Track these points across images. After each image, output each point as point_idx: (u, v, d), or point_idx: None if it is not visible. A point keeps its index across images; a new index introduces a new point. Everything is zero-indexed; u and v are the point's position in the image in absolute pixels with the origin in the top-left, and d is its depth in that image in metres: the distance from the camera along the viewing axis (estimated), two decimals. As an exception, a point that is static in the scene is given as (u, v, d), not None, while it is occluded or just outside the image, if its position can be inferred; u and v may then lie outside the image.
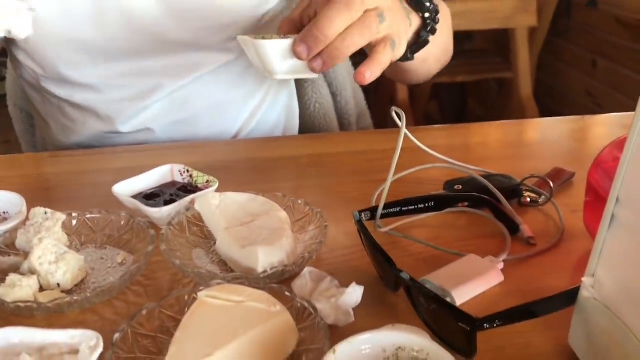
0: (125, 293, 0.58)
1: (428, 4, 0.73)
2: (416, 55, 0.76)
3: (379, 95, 2.45)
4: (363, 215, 0.60)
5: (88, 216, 0.66)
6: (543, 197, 0.71)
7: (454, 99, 3.30)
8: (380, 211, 0.61)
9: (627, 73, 2.53)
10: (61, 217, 0.63)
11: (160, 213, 0.66)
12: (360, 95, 1.28)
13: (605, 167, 0.58)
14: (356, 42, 0.61)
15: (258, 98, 1.02)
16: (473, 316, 0.45)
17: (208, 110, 0.97)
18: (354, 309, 0.53)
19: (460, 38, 3.28)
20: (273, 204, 0.66)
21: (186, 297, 0.52)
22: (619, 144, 0.61)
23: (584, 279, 0.45)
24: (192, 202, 0.67)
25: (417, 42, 0.75)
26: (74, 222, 0.65)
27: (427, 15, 0.73)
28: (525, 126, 1.06)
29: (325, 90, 1.21)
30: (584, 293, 0.44)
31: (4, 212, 0.68)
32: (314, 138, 0.97)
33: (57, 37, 0.85)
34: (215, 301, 0.50)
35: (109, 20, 0.85)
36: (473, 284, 0.56)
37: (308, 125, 1.16)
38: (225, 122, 1.00)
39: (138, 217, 0.65)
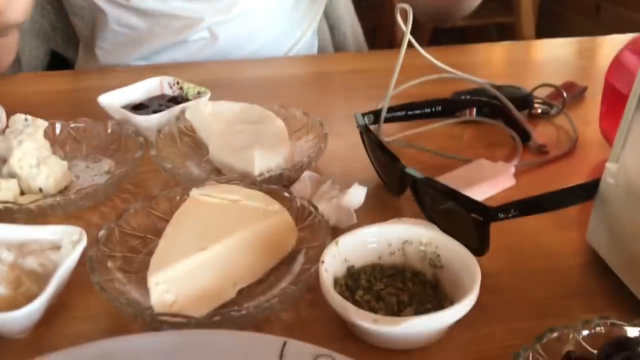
0: (113, 199, 0.55)
1: None
2: None
3: (378, 37, 2.38)
4: (366, 119, 0.56)
5: (72, 125, 0.62)
6: (555, 108, 0.67)
7: (453, 44, 3.23)
8: (384, 113, 0.57)
9: (632, 16, 2.46)
10: (43, 123, 0.58)
11: (148, 121, 0.62)
12: (359, 30, 1.23)
13: (624, 60, 0.54)
14: None
15: (293, 39, 0.99)
16: (486, 205, 0.41)
17: (265, 31, 0.94)
18: (355, 212, 0.49)
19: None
20: (270, 113, 0.62)
21: (177, 198, 0.49)
22: (636, 42, 0.57)
23: (607, 164, 0.41)
24: (183, 112, 0.63)
25: None
26: (57, 131, 0.62)
27: None
28: (533, 46, 1.01)
29: (323, 22, 1.16)
30: (608, 179, 0.41)
31: (-18, 124, 0.64)
32: (315, 58, 0.92)
33: None
34: (210, 199, 0.46)
35: None
36: (483, 186, 0.52)
37: None
38: (277, 45, 0.97)
39: (124, 126, 0.61)
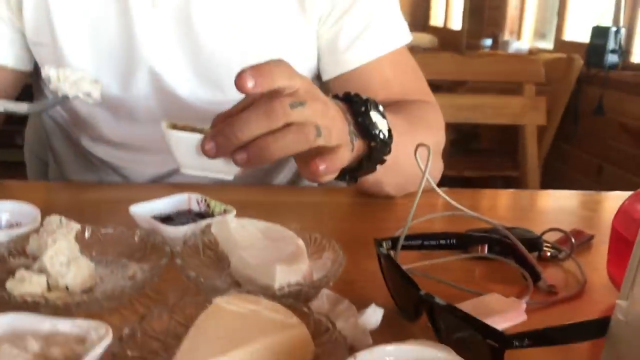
0: (133, 303, 0.56)
1: (377, 131, 0.66)
2: (367, 178, 0.71)
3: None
4: (384, 244, 0.58)
5: (102, 231, 0.65)
6: (563, 252, 0.70)
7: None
8: (401, 240, 0.60)
9: (632, 179, 2.56)
10: (75, 226, 0.61)
11: (176, 232, 0.65)
12: None
13: (630, 210, 0.58)
14: (288, 147, 0.56)
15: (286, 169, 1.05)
16: (503, 332, 0.43)
17: None
18: (370, 333, 0.51)
19: (468, 137, 3.36)
20: (290, 233, 0.64)
21: (198, 306, 0.50)
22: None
23: (618, 301, 0.43)
24: (209, 226, 0.66)
25: (360, 168, 0.69)
26: (87, 234, 0.64)
27: (372, 144, 0.66)
28: (539, 195, 1.06)
29: None
30: (618, 316, 0.43)
31: (17, 223, 0.67)
32: (335, 190, 0.96)
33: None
34: (232, 307, 0.48)
35: (136, 80, 0.88)
36: (496, 318, 0.54)
37: None
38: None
39: (151, 234, 0.64)
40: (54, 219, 0.62)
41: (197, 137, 0.57)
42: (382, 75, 0.91)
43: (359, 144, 0.65)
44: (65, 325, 0.45)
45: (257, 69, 0.53)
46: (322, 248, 0.65)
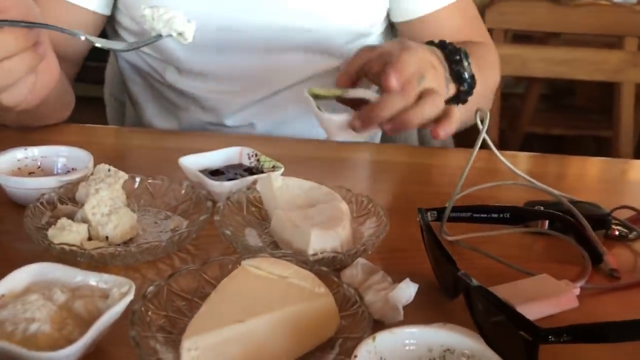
0: (171, 257, 0.56)
1: (467, 76, 0.77)
2: None
3: (463, 134, 2.38)
4: (429, 215, 0.55)
5: (150, 181, 0.65)
6: (634, 232, 0.64)
7: (546, 152, 3.16)
8: (447, 212, 0.56)
9: None
10: (124, 175, 0.62)
11: (221, 187, 0.64)
12: None
13: None
14: (424, 115, 0.68)
15: None
16: (537, 325, 0.39)
17: (307, 113, 0.97)
18: (403, 308, 0.48)
19: (561, 92, 3.16)
20: (335, 195, 0.62)
21: (230, 266, 0.50)
22: None
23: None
24: (255, 183, 0.65)
25: None
26: (136, 184, 0.65)
27: (462, 88, 0.77)
28: (620, 165, 0.97)
29: None
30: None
31: (73, 169, 0.69)
32: (391, 147, 0.93)
33: None
34: (258, 271, 0.47)
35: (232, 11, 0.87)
36: (542, 304, 0.50)
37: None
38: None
39: (197, 188, 0.64)
40: (102, 168, 0.63)
41: (345, 117, 0.69)
42: (454, 21, 0.95)
43: (451, 87, 0.76)
44: (93, 279, 0.45)
45: (398, 72, 0.66)
46: (367, 212, 0.62)
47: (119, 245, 0.56)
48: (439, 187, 0.76)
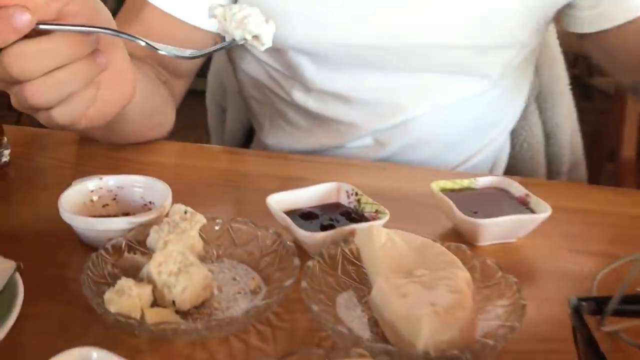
0: (248, 331, 0.46)
1: None
2: None
3: (598, 146, 2.13)
4: (584, 305, 0.41)
5: (233, 225, 0.55)
6: None
7: None
8: (612, 305, 0.42)
9: None
10: (201, 220, 0.53)
11: (312, 238, 0.53)
12: (578, 141, 1.07)
13: None
14: None
15: (494, 133, 0.91)
16: None
17: (440, 138, 0.87)
18: None
19: None
20: (453, 258, 0.50)
21: (315, 362, 0.39)
22: None
23: None
24: (353, 232, 0.54)
25: None
26: (217, 227, 0.56)
27: None
28: None
29: (537, 129, 1.02)
30: None
31: (150, 202, 0.61)
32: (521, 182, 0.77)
33: (311, 38, 0.78)
34: (350, 382, 0.35)
35: (373, 26, 0.77)
36: None
37: (510, 166, 0.98)
38: (449, 154, 0.89)
39: (287, 237, 0.53)
40: (178, 209, 0.54)
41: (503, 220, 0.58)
42: None
43: None
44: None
45: None
46: (495, 285, 0.49)
47: (188, 311, 0.47)
48: (590, 242, 0.61)
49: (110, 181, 0.61)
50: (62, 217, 0.56)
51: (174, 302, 0.46)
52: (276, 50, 0.82)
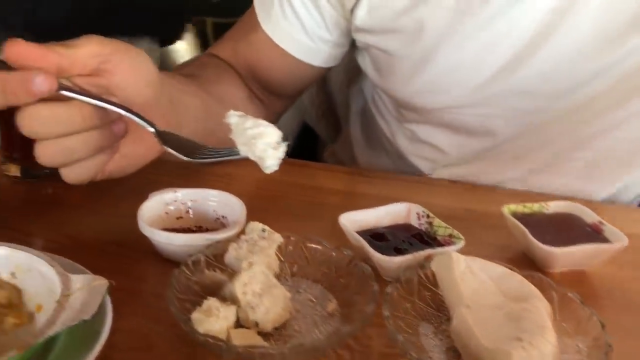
0: (329, 356, 0.47)
1: None
2: None
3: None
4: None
5: (308, 244, 0.56)
6: None
7: None
8: None
9: None
10: (278, 239, 0.53)
11: (390, 263, 0.54)
12: None
13: None
14: None
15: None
16: None
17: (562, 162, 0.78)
18: None
19: None
20: (533, 289, 0.49)
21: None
22: None
23: None
24: (429, 257, 0.54)
25: None
26: (290, 247, 0.56)
27: None
28: None
29: None
30: None
31: (223, 217, 0.62)
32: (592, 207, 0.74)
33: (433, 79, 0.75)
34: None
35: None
36: None
37: None
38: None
39: (359, 258, 0.54)
40: (255, 227, 0.55)
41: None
42: None
43: None
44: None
45: None
46: (577, 320, 0.49)
47: (269, 332, 0.47)
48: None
49: (185, 194, 0.62)
50: (140, 229, 0.57)
51: (256, 322, 0.47)
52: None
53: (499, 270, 0.51)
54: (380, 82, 0.81)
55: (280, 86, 0.84)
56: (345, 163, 0.97)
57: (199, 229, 0.61)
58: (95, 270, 0.50)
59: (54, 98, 0.49)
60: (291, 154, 1.07)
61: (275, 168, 0.51)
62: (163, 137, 0.55)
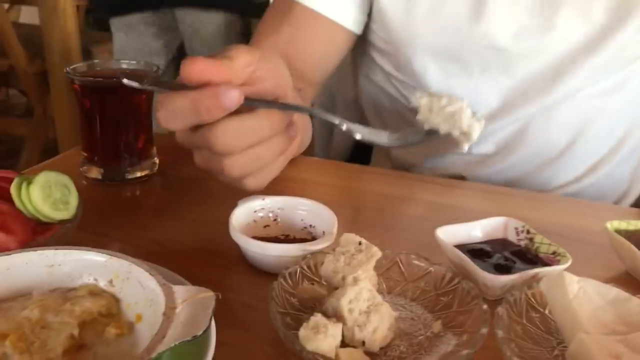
0: (441, 379, 0.44)
1: None
2: None
3: None
4: None
5: (404, 259, 0.54)
6: None
7: None
8: None
9: None
10: (377, 253, 0.51)
11: (495, 282, 0.51)
12: None
13: None
14: None
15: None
16: None
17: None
18: None
19: None
20: (652, 313, 0.46)
21: None
22: None
23: None
24: (535, 277, 0.51)
25: None
26: (384, 261, 0.54)
27: None
28: None
29: None
30: None
31: (310, 226, 0.60)
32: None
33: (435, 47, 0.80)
34: None
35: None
36: None
37: None
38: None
39: (461, 277, 0.51)
40: (352, 239, 0.53)
41: None
42: None
43: None
44: None
45: None
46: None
47: (374, 353, 0.45)
48: None
49: (273, 201, 0.61)
50: (231, 237, 0.55)
51: (363, 342, 0.45)
52: (403, 60, 0.83)
53: (613, 292, 0.48)
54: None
55: (314, 67, 0.85)
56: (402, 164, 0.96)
57: (286, 238, 0.60)
58: (186, 278, 0.49)
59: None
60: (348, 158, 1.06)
61: (476, 140, 0.51)
62: (351, 129, 0.53)
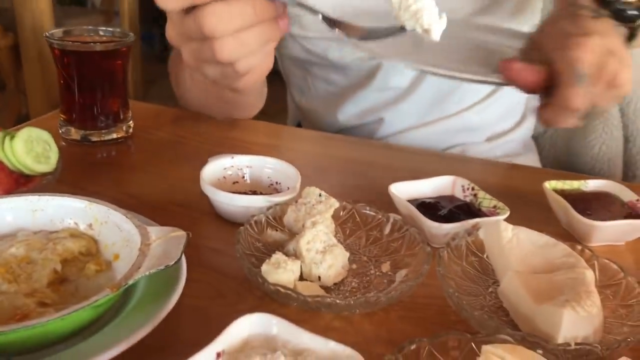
0: (387, 310, 0.50)
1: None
2: None
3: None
4: None
5: (361, 210, 0.59)
6: None
7: None
8: None
9: None
10: (335, 203, 0.57)
11: (439, 229, 0.57)
12: None
13: None
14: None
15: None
16: None
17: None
18: None
19: None
20: (577, 257, 0.52)
21: (462, 345, 0.42)
22: None
23: None
24: (476, 226, 0.57)
25: None
26: (342, 212, 0.59)
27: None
28: None
29: (618, 132, 1.03)
30: None
31: (276, 183, 0.65)
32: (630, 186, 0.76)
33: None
34: (506, 364, 0.39)
35: None
36: None
37: (587, 167, 1.00)
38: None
39: (409, 225, 0.57)
40: (312, 191, 0.58)
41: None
42: None
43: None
44: (315, 344, 0.40)
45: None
46: (616, 285, 0.52)
47: (330, 287, 0.51)
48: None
49: (242, 160, 0.65)
50: (202, 190, 0.60)
51: (319, 277, 0.50)
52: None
53: (544, 239, 0.55)
54: None
55: None
56: None
57: (254, 194, 0.64)
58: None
59: None
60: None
61: (439, 39, 0.54)
62: (329, 21, 0.57)
